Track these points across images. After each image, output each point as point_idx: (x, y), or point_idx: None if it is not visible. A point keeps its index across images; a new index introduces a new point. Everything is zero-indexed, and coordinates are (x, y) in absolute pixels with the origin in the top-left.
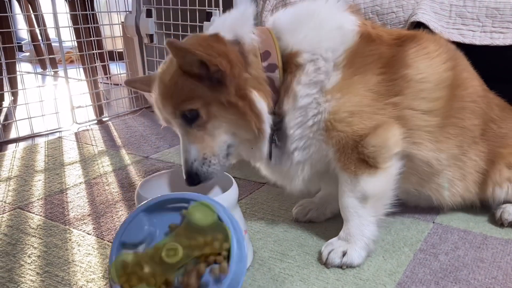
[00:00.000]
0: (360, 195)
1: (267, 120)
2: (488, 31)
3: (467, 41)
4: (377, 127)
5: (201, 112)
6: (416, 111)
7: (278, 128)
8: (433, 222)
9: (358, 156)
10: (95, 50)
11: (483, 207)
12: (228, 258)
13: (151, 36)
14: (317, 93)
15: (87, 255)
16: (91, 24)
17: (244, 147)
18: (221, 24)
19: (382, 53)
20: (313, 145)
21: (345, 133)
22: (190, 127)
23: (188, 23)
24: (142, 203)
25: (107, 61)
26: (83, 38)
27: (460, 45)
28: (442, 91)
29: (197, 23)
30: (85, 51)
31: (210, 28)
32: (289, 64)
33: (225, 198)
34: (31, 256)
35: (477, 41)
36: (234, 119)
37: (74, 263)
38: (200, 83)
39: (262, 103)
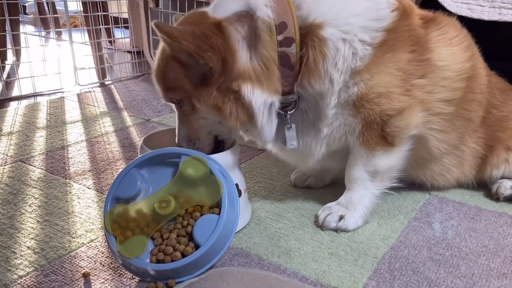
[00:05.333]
0: (372, 169)
1: (261, 111)
2: (497, 6)
3: (475, 16)
4: (403, 110)
5: (185, 103)
6: (435, 97)
7: (293, 107)
8: (429, 193)
9: (381, 133)
10: (100, 12)
11: (479, 184)
12: (219, 209)
13: (156, 1)
14: (349, 76)
15: (86, 207)
16: None
17: (243, 130)
18: None
19: (414, 29)
20: (338, 119)
21: (373, 110)
22: (181, 108)
23: None
24: (134, 159)
25: (112, 24)
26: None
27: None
28: (462, 82)
29: None
30: (90, 13)
31: None
32: (310, 36)
33: (224, 156)
34: (31, 205)
35: (486, 17)
36: (217, 115)
37: (74, 214)
38: (185, 73)
39: (257, 97)
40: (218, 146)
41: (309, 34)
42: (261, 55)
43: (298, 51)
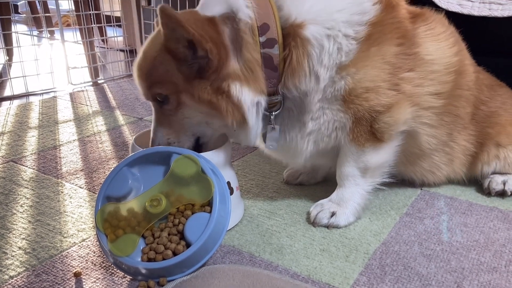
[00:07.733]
0: (362, 166)
1: (250, 110)
2: (487, 1)
3: (465, 11)
4: (391, 106)
5: (171, 99)
6: (425, 91)
7: (279, 108)
8: (421, 189)
9: (370, 129)
10: (92, 10)
11: (470, 181)
12: (211, 207)
13: None
14: (335, 71)
15: (78, 207)
16: None
17: (227, 130)
18: None
19: (400, 22)
20: (326, 114)
21: (362, 106)
22: (161, 108)
23: None
24: (126, 158)
25: (104, 23)
26: None
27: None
28: (450, 75)
29: None
30: (82, 11)
31: None
32: (292, 36)
33: (216, 154)
34: (23, 205)
35: (476, 12)
36: (207, 111)
37: (66, 213)
38: (178, 67)
39: (245, 96)
40: (197, 149)
41: (291, 34)
42: (245, 57)
43: (281, 52)
